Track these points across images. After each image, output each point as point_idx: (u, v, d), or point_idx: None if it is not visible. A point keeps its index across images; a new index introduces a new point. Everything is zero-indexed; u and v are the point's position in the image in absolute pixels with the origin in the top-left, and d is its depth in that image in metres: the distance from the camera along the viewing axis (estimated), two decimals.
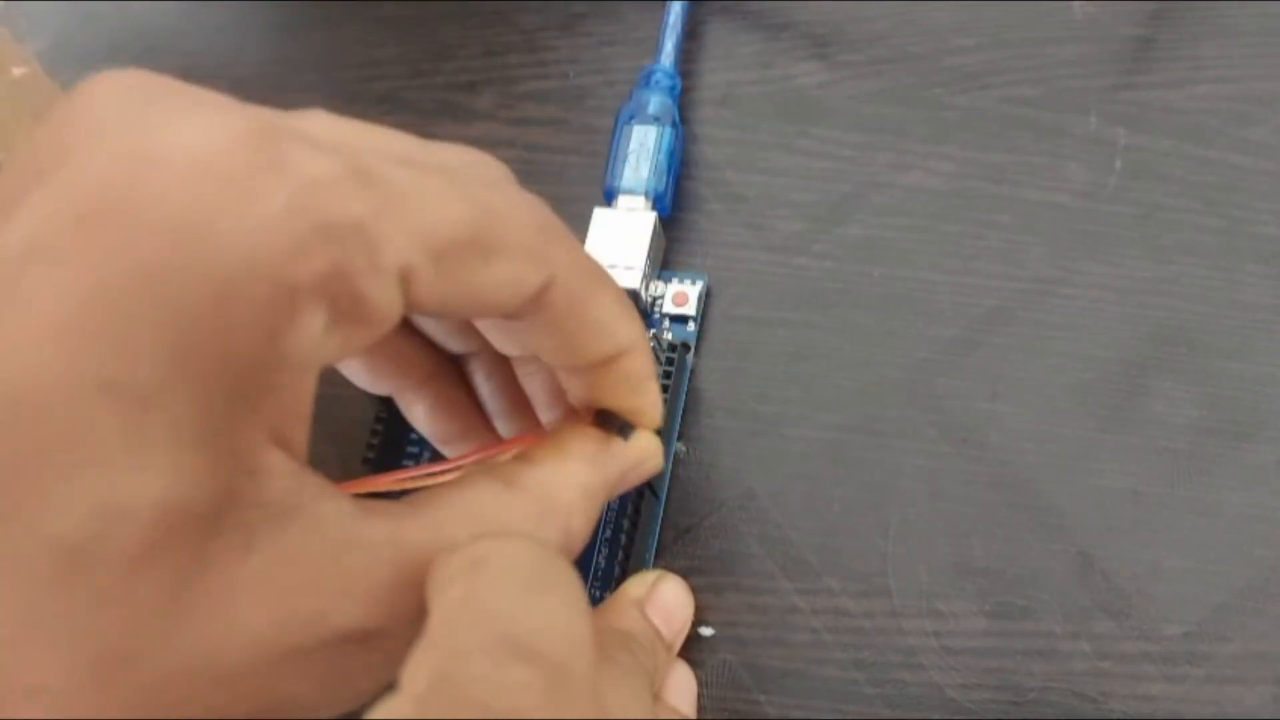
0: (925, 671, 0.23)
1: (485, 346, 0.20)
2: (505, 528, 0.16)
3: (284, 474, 0.14)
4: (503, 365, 0.21)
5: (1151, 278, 0.25)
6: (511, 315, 0.17)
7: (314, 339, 0.13)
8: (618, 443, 0.19)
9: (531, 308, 0.17)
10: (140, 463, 0.12)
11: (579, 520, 0.17)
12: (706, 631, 0.24)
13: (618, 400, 0.19)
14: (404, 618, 0.14)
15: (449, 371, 0.22)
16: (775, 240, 0.27)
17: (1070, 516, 0.23)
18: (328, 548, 0.14)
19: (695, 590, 0.24)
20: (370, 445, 0.24)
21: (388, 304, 0.14)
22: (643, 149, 0.27)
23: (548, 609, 0.15)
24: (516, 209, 0.16)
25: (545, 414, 0.21)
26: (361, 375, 0.21)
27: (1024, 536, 0.23)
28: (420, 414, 0.22)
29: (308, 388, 0.14)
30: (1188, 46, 0.27)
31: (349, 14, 0.33)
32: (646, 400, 0.19)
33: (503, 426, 0.22)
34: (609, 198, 0.27)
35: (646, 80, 0.28)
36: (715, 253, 0.27)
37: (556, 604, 0.16)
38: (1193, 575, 0.22)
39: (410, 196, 0.14)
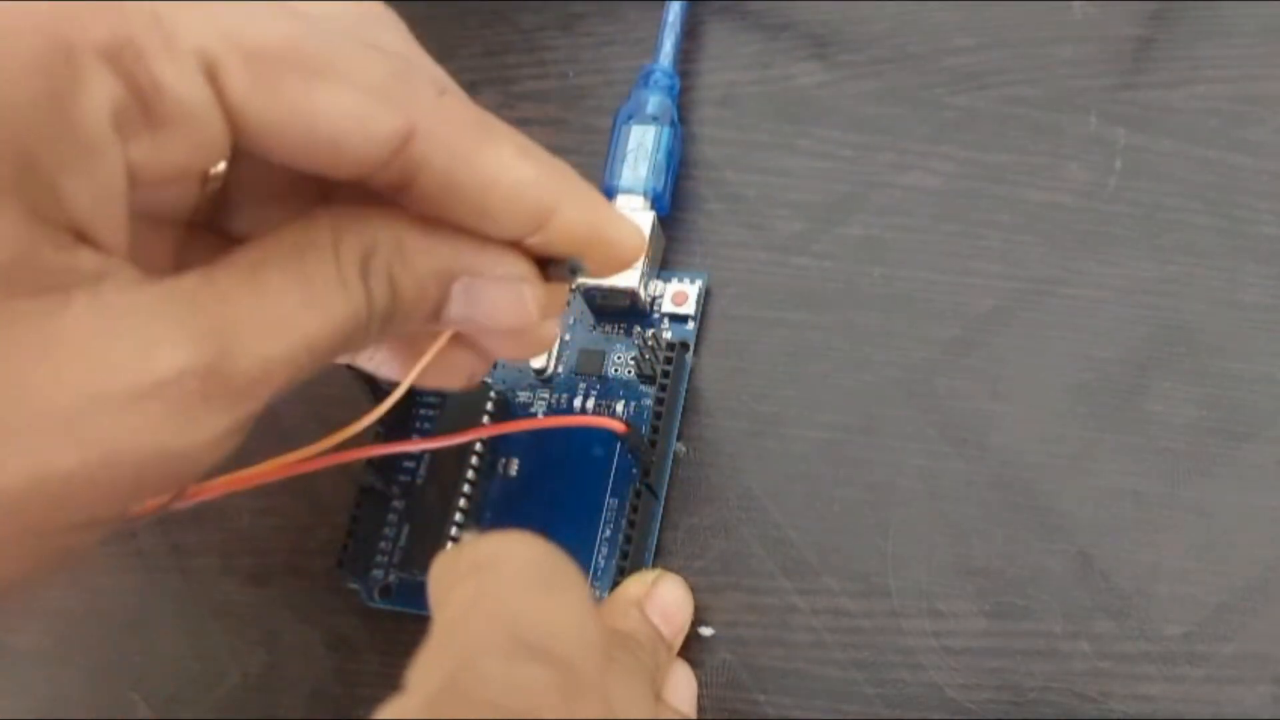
0: (925, 671, 0.23)
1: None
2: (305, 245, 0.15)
3: (97, 257, 0.13)
4: None
5: (1151, 278, 0.25)
6: (381, 171, 0.15)
7: (103, 111, 0.13)
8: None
9: (402, 163, 0.15)
10: None
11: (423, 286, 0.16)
12: (706, 631, 0.24)
13: (585, 262, 0.17)
14: (243, 359, 0.14)
15: None
16: (775, 240, 0.27)
17: (1070, 516, 0.23)
18: (151, 300, 0.14)
19: (695, 590, 0.24)
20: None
21: (191, 96, 0.13)
22: (641, 148, 0.27)
23: (557, 609, 0.15)
24: (367, 48, 0.15)
25: None
26: None
27: (1024, 536, 0.23)
28: None
29: (111, 177, 0.13)
30: (1187, 46, 0.27)
31: None
32: (608, 243, 0.17)
33: None
34: (608, 197, 0.27)
35: (645, 80, 0.28)
36: (714, 252, 0.27)
37: (566, 604, 0.16)
38: (1193, 575, 0.22)
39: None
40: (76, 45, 0.12)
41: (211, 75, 0.14)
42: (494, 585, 0.15)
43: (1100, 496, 0.23)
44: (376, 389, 0.23)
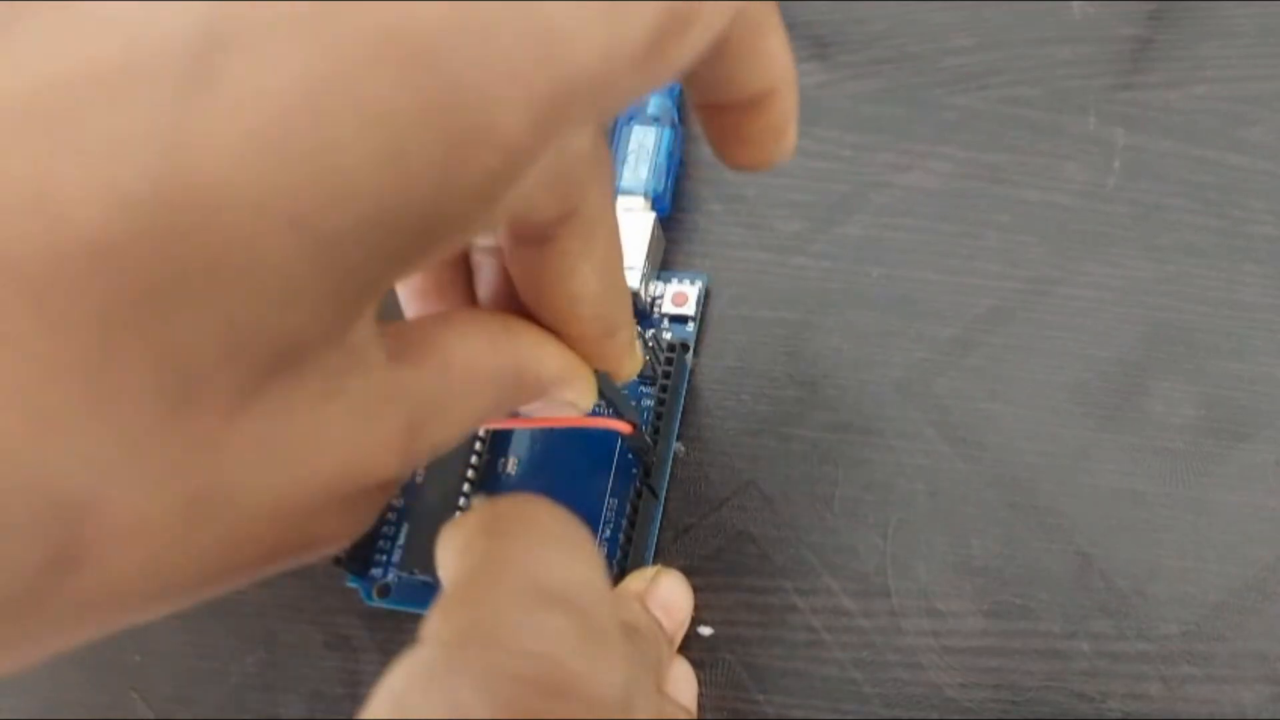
0: (924, 671, 0.23)
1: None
2: (488, 383, 0.16)
3: (367, 328, 0.13)
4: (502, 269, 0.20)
5: (1150, 278, 0.25)
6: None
7: (512, 205, 0.13)
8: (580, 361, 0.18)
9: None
10: (289, 300, 0.11)
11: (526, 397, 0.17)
12: (706, 631, 0.24)
13: (752, 146, 0.18)
14: (410, 463, 0.14)
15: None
16: (775, 240, 0.27)
17: (1070, 516, 0.23)
18: (378, 400, 0.13)
19: (695, 589, 0.24)
20: None
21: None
22: (642, 149, 0.27)
23: (573, 562, 0.16)
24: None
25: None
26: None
27: (1023, 536, 0.23)
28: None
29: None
30: (1186, 47, 0.27)
31: None
32: (782, 146, 0.18)
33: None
34: None
35: None
36: (714, 252, 0.27)
37: (580, 558, 0.16)
38: (1191, 575, 0.22)
39: None
40: (528, 150, 0.11)
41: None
42: (511, 540, 0.16)
43: (1100, 496, 0.23)
44: None
